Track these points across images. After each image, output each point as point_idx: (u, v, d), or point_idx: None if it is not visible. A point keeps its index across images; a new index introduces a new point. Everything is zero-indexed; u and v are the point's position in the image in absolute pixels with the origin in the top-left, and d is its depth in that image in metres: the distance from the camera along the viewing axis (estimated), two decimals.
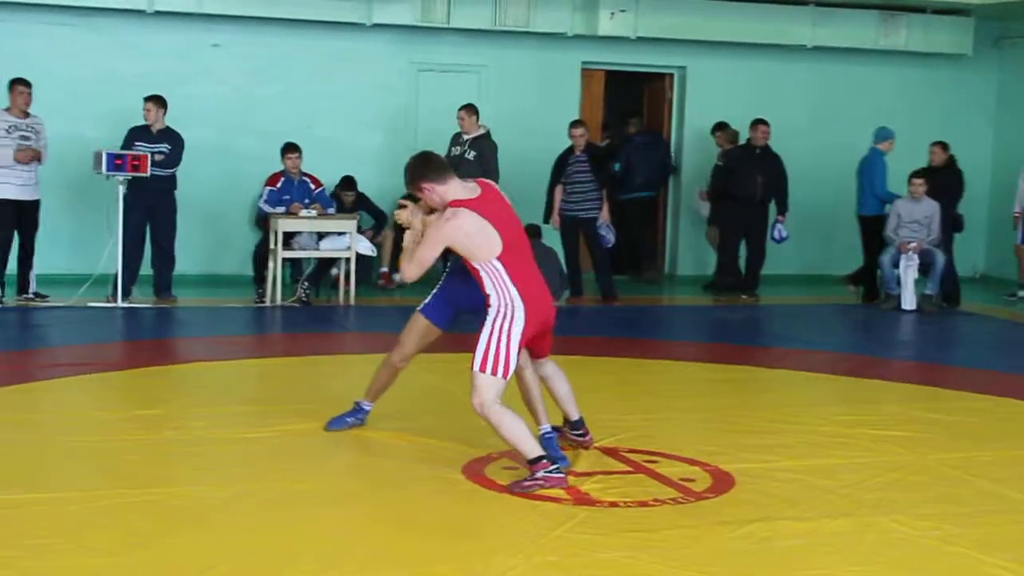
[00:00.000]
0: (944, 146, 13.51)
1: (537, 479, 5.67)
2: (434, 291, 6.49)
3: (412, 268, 5.94)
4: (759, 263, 13.71)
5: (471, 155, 12.15)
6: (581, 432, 6.42)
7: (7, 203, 11.32)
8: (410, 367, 6.66)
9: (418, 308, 6.52)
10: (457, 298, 6.41)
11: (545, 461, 5.71)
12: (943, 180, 13.27)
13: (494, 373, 5.73)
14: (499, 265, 5.82)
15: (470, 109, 12.37)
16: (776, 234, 13.53)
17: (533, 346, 6.10)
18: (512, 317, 5.79)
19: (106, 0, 12.95)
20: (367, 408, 6.73)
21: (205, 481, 5.72)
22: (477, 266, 5.85)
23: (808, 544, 5.00)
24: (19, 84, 11.43)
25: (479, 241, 5.81)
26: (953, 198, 13.40)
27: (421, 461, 6.12)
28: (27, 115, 11.45)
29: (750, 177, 13.37)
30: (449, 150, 12.14)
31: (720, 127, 14.47)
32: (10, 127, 11.31)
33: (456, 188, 5.89)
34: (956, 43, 15.59)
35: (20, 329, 10.51)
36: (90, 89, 13.04)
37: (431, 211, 6.01)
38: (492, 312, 5.82)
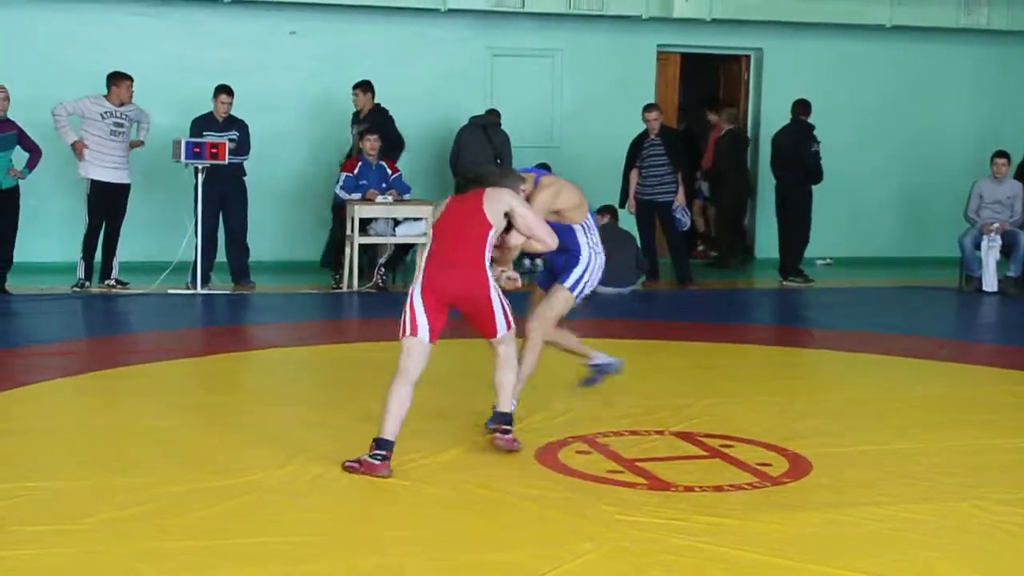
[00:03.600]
0: None
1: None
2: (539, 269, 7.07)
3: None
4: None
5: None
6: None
7: (98, 186, 11.46)
8: (481, 356, 6.59)
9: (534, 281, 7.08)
10: (553, 266, 6.71)
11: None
12: None
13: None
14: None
15: (363, 87, 12.65)
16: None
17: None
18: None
19: None
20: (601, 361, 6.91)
21: (283, 467, 5.74)
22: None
23: (886, 529, 4.93)
24: (126, 79, 11.56)
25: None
26: None
27: (495, 447, 6.11)
28: (122, 104, 11.59)
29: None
30: (351, 130, 12.60)
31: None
32: (105, 112, 11.47)
33: None
34: None
35: (103, 316, 10.67)
36: (167, 79, 13.11)
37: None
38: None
